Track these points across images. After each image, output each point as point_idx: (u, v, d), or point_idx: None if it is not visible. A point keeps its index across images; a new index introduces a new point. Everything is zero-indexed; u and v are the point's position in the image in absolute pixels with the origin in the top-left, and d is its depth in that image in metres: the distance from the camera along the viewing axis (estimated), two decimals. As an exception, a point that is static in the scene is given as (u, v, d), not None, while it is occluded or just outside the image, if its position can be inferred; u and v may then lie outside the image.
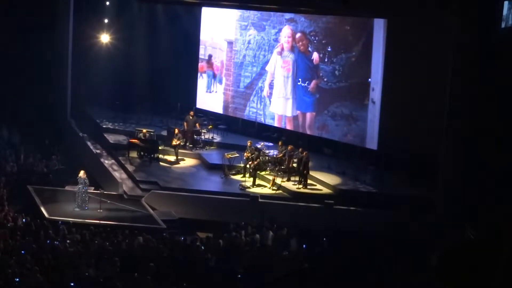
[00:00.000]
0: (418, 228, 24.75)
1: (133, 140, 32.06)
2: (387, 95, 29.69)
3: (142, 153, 31.92)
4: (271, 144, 32.14)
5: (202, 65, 36.99)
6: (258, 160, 29.43)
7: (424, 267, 19.93)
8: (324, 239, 23.99)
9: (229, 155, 30.42)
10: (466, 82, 24.60)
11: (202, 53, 36.97)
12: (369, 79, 30.35)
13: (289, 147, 29.69)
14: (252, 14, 34.52)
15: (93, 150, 33.03)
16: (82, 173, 26.66)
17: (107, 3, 36.87)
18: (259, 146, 30.55)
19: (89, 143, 33.84)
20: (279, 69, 33.66)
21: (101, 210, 26.55)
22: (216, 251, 22.20)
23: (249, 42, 34.88)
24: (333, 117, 31.77)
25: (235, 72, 35.56)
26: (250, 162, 29.50)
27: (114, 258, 20.30)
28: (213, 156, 32.21)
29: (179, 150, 31.90)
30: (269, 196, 28.37)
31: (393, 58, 29.38)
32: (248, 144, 30.29)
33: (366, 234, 24.36)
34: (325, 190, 28.88)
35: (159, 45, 37.02)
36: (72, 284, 19.06)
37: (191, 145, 33.10)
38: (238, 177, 30.12)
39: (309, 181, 29.02)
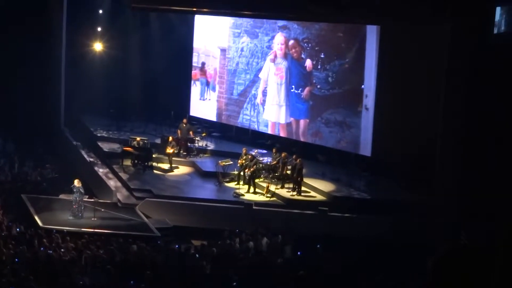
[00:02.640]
0: (413, 233, 24.76)
1: (127, 148, 32.01)
2: (381, 101, 29.75)
3: (136, 161, 31.87)
4: (265, 151, 32.19)
5: (195, 72, 37.00)
6: (255, 167, 29.42)
7: (420, 273, 19.93)
8: (319, 245, 24.01)
9: (223, 163, 30.41)
10: (459, 87, 24.64)
11: (195, 60, 36.99)
12: (363, 86, 30.41)
13: (283, 154, 29.72)
14: (245, 22, 34.58)
15: (87, 159, 33.01)
16: (76, 182, 26.64)
17: (100, 11, 36.88)
18: (253, 153, 30.53)
19: (83, 152, 33.83)
20: (272, 76, 33.69)
21: (95, 219, 26.50)
22: (211, 259, 22.18)
23: (242, 50, 34.92)
24: (327, 124, 31.81)
25: (228, 80, 35.59)
26: (246, 169, 29.52)
27: (109, 267, 20.28)
28: (207, 163, 32.20)
29: (173, 158, 31.90)
30: (264, 203, 28.38)
31: (386, 65, 29.46)
32: (243, 151, 30.31)
33: (361, 240, 24.37)
34: (319, 197, 28.89)
35: (152, 53, 37.05)
36: (66, 292, 19.05)
37: (185, 153, 33.09)
38: (232, 184, 30.12)
39: (303, 188, 29.04)
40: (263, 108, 34.17)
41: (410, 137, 28.19)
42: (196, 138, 33.52)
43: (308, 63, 32.24)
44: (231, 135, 35.58)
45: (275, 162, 30.09)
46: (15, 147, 33.98)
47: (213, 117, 36.41)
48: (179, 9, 32.45)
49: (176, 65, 36.93)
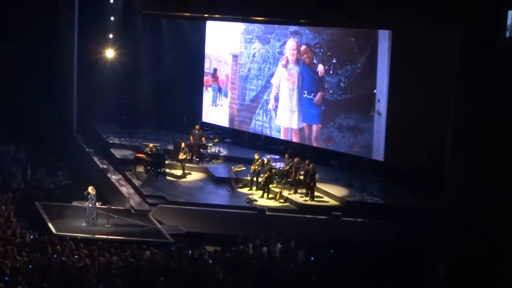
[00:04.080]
0: (425, 239, 24.68)
1: (140, 155, 32.07)
2: (393, 106, 29.68)
3: (148, 167, 31.93)
4: (277, 156, 32.12)
5: (207, 79, 37.05)
6: (268, 172, 29.35)
7: (431, 278, 19.89)
8: (332, 251, 23.98)
9: (236, 169, 30.41)
10: (471, 92, 24.59)
11: (207, 66, 37.04)
12: (375, 91, 30.35)
13: (296, 160, 29.71)
14: (257, 27, 34.60)
15: (100, 165, 33.06)
16: (90, 189, 26.65)
17: (112, 18, 36.91)
18: (265, 159, 30.51)
19: (95, 158, 33.88)
20: (285, 82, 33.69)
21: (108, 225, 26.59)
22: (224, 264, 22.17)
23: (254, 55, 34.94)
24: (339, 129, 31.76)
25: (240, 86, 35.61)
26: (262, 175, 29.50)
27: (122, 273, 20.29)
28: (219, 169, 32.23)
29: (186, 164, 31.94)
30: (277, 209, 28.37)
31: (398, 69, 29.38)
32: (256, 157, 30.30)
33: (374, 245, 24.31)
34: (332, 202, 28.86)
35: (164, 59, 37.04)
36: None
37: (197, 159, 33.12)
38: (245, 190, 30.12)
39: (316, 193, 29.01)
40: (275, 114, 34.16)
41: (423, 142, 28.10)
42: (209, 144, 33.55)
43: (320, 68, 32.22)
44: (243, 141, 35.58)
45: (287, 167, 30.08)
46: (27, 154, 34.01)
47: (225, 123, 36.44)
48: (190, 15, 32.55)
49: (188, 72, 36.98)
